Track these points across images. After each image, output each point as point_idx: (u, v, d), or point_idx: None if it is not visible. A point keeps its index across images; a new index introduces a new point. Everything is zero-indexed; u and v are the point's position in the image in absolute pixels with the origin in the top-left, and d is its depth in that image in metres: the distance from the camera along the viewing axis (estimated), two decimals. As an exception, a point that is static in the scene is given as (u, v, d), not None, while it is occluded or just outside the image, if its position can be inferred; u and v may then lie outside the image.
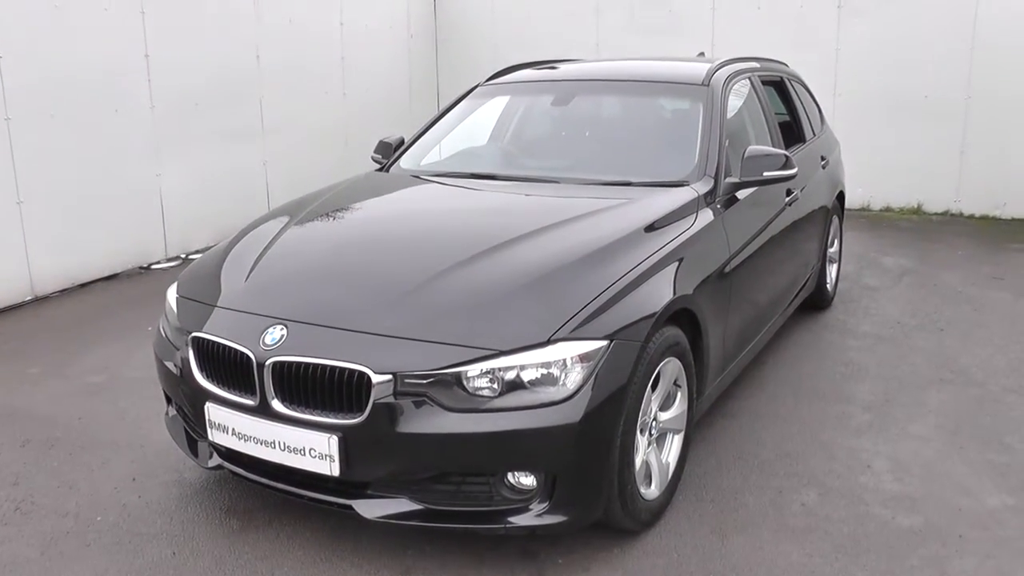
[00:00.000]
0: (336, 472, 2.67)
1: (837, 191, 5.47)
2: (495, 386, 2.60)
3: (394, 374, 2.59)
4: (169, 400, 3.45)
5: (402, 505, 2.71)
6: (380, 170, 4.42)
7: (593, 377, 2.64)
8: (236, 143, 7.51)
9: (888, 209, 8.59)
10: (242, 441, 2.83)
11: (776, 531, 3.11)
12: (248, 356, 2.76)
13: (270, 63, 7.73)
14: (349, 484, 2.74)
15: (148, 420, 4.06)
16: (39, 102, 5.77)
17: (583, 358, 2.64)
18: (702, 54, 5.54)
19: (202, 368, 2.96)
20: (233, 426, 2.84)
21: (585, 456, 2.67)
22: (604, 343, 2.69)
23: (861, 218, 8.27)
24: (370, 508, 2.71)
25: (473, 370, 2.59)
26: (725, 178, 3.72)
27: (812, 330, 5.19)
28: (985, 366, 4.63)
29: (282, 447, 2.74)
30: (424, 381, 2.59)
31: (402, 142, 4.58)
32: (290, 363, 2.70)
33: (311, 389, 2.70)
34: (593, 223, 3.25)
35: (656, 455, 3.10)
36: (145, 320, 5.50)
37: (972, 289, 6.02)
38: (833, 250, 5.56)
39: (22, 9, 5.62)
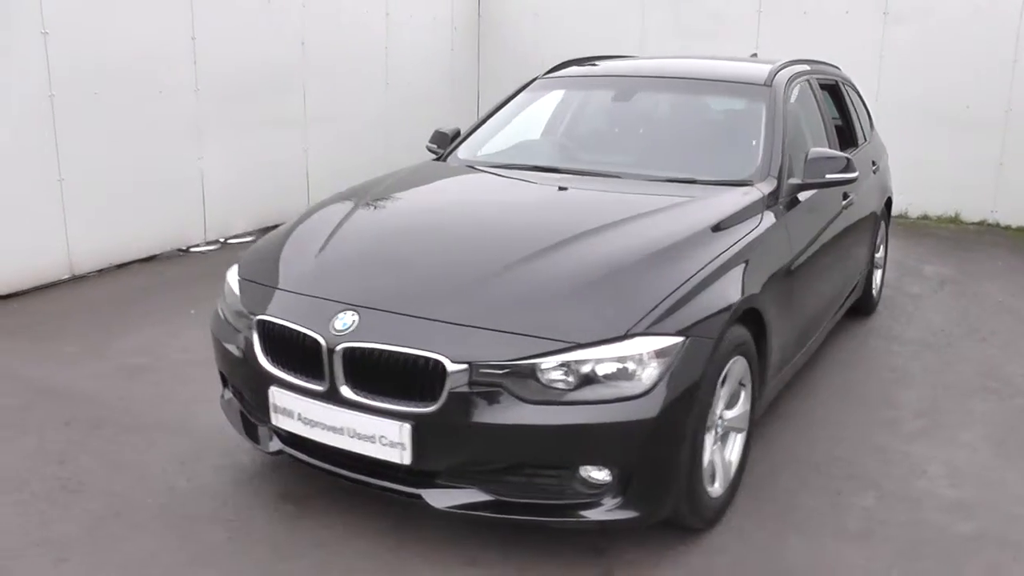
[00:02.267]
0: (407, 460, 2.64)
1: (886, 197, 5.43)
2: (570, 379, 2.57)
3: (470, 363, 2.56)
4: (225, 383, 3.42)
5: (472, 495, 2.68)
6: (437, 159, 4.39)
7: (669, 373, 2.61)
8: (278, 130, 7.47)
9: (925, 217, 8.52)
10: (308, 427, 2.81)
11: (836, 534, 3.08)
12: (318, 341, 2.73)
13: (315, 52, 7.69)
14: (418, 473, 2.70)
15: (195, 403, 4.03)
16: (84, 80, 5.74)
17: (659, 354, 2.60)
18: (754, 55, 5.49)
19: (267, 352, 2.93)
20: (299, 411, 2.82)
21: (660, 452, 2.64)
22: (680, 339, 2.66)
23: (899, 225, 8.19)
24: (439, 498, 2.68)
25: (550, 362, 2.56)
26: (788, 179, 3.69)
27: (858, 336, 5.14)
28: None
29: (351, 434, 2.71)
30: (500, 371, 2.56)
31: (458, 133, 4.55)
32: (361, 349, 2.67)
33: (382, 376, 2.67)
34: (663, 219, 3.21)
35: (720, 454, 3.07)
36: (186, 303, 5.48)
37: (1013, 300, 5.96)
38: (879, 256, 5.52)
39: (69, -13, 5.61)
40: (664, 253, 2.94)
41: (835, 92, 4.94)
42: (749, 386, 3.16)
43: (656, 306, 2.69)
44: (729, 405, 3.08)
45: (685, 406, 2.65)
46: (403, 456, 2.64)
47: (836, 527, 3.11)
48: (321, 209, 3.64)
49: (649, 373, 2.58)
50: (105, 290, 5.77)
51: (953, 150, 8.14)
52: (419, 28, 9.20)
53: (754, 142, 3.78)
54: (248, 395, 3.08)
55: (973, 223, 8.36)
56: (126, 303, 5.51)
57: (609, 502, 2.65)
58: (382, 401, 2.66)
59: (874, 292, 5.47)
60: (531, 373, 2.56)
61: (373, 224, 3.40)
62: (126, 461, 3.51)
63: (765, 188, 3.56)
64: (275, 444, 3.03)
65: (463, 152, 4.34)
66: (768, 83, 4.04)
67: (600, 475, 2.64)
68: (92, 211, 5.92)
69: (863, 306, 5.33)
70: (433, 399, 2.59)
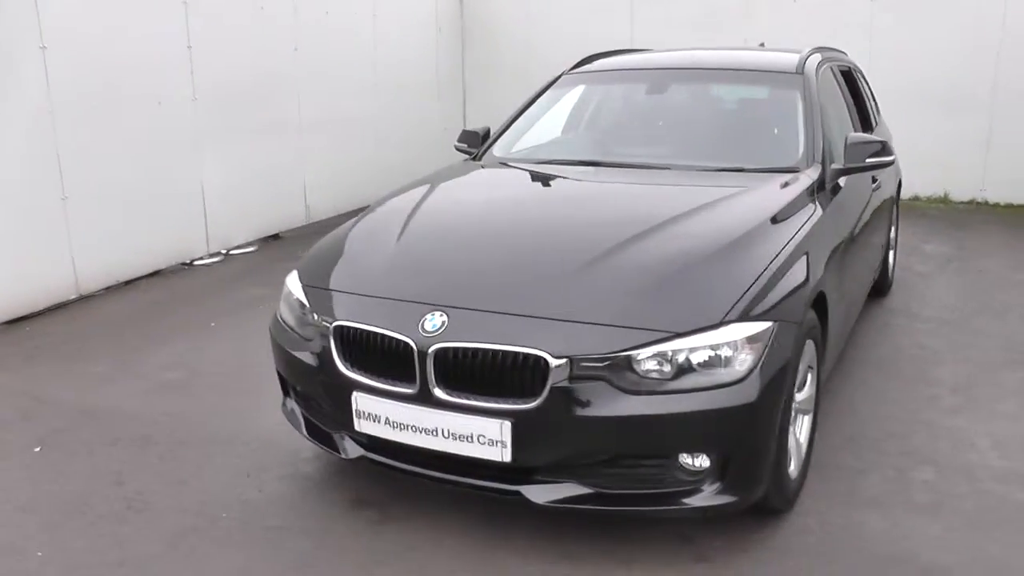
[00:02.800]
0: (507, 458, 2.65)
1: (898, 179, 5.56)
2: (668, 368, 2.59)
3: (570, 358, 2.58)
4: (287, 392, 3.40)
5: (571, 489, 2.69)
6: (473, 159, 4.38)
7: (762, 358, 2.65)
8: (274, 137, 7.40)
9: (916, 198, 8.71)
10: (397, 430, 2.79)
11: (907, 507, 3.15)
12: (408, 344, 2.73)
13: (307, 56, 7.63)
14: (514, 469, 2.71)
15: (244, 416, 3.99)
16: (83, 94, 5.62)
17: (753, 339, 2.64)
18: (762, 45, 5.58)
19: (345, 358, 2.91)
20: (387, 415, 2.80)
21: (756, 436, 2.68)
22: (770, 324, 2.70)
23: (887, 207, 8.41)
24: (539, 493, 2.69)
25: (649, 352, 2.58)
26: (831, 164, 3.76)
27: (880, 315, 5.25)
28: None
29: (445, 434, 2.71)
30: (600, 364, 2.58)
31: (488, 132, 4.56)
32: (455, 349, 2.67)
33: (475, 375, 2.67)
34: (728, 208, 3.26)
35: (793, 436, 3.13)
36: (204, 317, 5.41)
37: (1015, 274, 6.14)
38: (893, 236, 5.65)
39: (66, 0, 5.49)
40: (741, 241, 2.98)
41: (849, 78, 5.05)
42: (816, 368, 3.23)
43: (745, 293, 2.73)
44: (799, 388, 3.14)
45: (777, 390, 2.69)
46: (503, 454, 2.65)
47: (905, 502, 3.18)
48: (374, 213, 3.63)
49: (744, 359, 2.62)
50: (117, 308, 5.66)
51: (941, 131, 8.34)
52: (405, 29, 9.18)
53: (794, 129, 3.84)
54: (325, 403, 3.06)
55: (963, 202, 8.58)
56: (142, 320, 5.41)
57: (708, 488, 2.68)
58: (478, 400, 2.66)
59: (889, 272, 5.60)
60: (630, 364, 2.59)
61: (438, 224, 3.39)
62: (187, 476, 3.46)
63: (812, 174, 3.63)
64: (355, 450, 3.01)
65: (498, 150, 4.35)
66: (800, 71, 4.11)
67: (699, 461, 2.67)
68: (97, 228, 5.81)
69: (881, 286, 5.45)
70: (533, 395, 2.60)
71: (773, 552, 2.88)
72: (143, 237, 6.17)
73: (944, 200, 8.63)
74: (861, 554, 2.88)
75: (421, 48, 9.56)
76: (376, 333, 2.81)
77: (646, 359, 2.59)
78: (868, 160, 3.74)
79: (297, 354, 3.13)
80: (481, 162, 4.29)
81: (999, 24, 8.07)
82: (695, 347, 2.60)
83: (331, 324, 2.94)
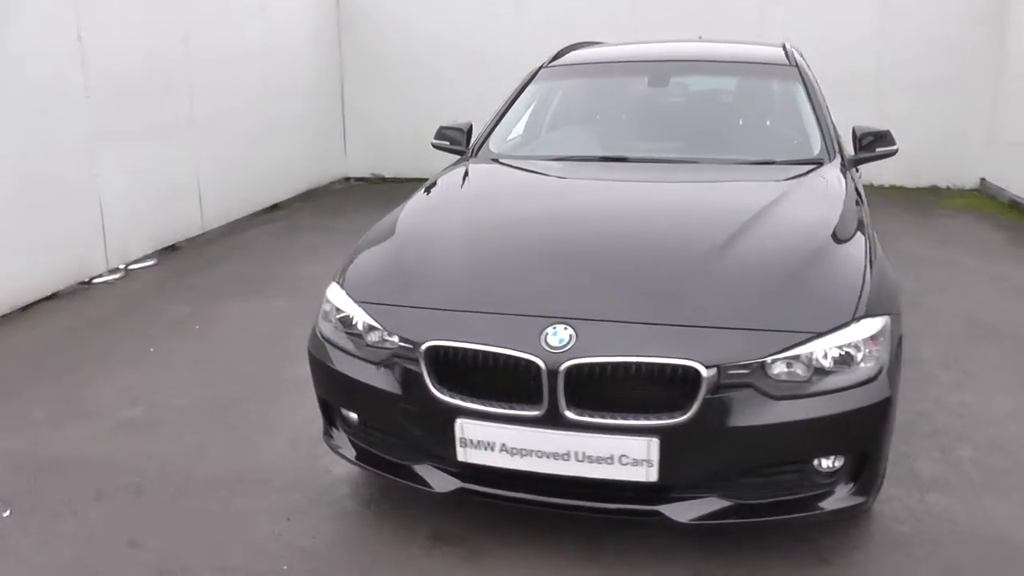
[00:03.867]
0: (653, 478, 2.45)
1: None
2: (808, 370, 2.49)
3: (718, 366, 2.42)
4: (333, 422, 3.03)
5: (712, 504, 2.53)
6: (467, 156, 4.09)
7: (888, 352, 2.61)
8: (167, 137, 6.70)
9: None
10: (517, 457, 2.52)
11: (970, 487, 3.20)
12: (535, 363, 2.47)
13: (197, 49, 6.95)
14: (649, 489, 2.53)
15: (241, 452, 3.54)
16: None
17: (881, 334, 2.59)
18: (700, 38, 5.62)
19: (440, 381, 2.61)
20: (504, 442, 2.53)
21: (887, 432, 2.64)
22: (887, 317, 2.66)
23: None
24: (681, 511, 2.52)
25: (793, 355, 2.47)
26: (846, 155, 3.81)
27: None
28: (1007, 319, 5.03)
29: (579, 458, 2.47)
30: (747, 371, 2.44)
31: (470, 127, 4.29)
32: (590, 365, 2.45)
33: (612, 391, 2.46)
34: (802, 201, 3.21)
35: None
36: (136, 342, 4.79)
37: (931, 251, 6.53)
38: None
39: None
40: (835, 235, 2.93)
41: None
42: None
43: (863, 287, 2.68)
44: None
45: (898, 382, 2.67)
46: (648, 473, 2.45)
47: (966, 482, 3.24)
48: (416, 220, 3.29)
49: (874, 355, 2.56)
50: (24, 339, 4.90)
51: (837, 119, 8.77)
52: (293, 21, 8.65)
53: (807, 120, 3.86)
54: (408, 432, 2.73)
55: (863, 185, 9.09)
56: (63, 350, 4.72)
57: (842, 489, 2.60)
58: (618, 418, 2.45)
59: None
60: (776, 369, 2.47)
61: (507, 231, 3.11)
62: (215, 529, 3.01)
63: (836, 165, 3.65)
64: (447, 482, 2.70)
65: (495, 147, 4.09)
66: (793, 63, 4.15)
67: (835, 463, 2.59)
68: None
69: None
70: (682, 408, 2.42)
71: (882, 545, 2.86)
72: (36, 255, 5.37)
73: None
74: (959, 537, 2.89)
75: (308, 40, 9.02)
76: (488, 352, 2.52)
77: (790, 362, 2.48)
78: (879, 150, 3.82)
79: (360, 379, 2.78)
80: (481, 160, 4.00)
81: (880, 15, 8.58)
82: (833, 346, 2.51)
83: (420, 345, 2.61)
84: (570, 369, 2.44)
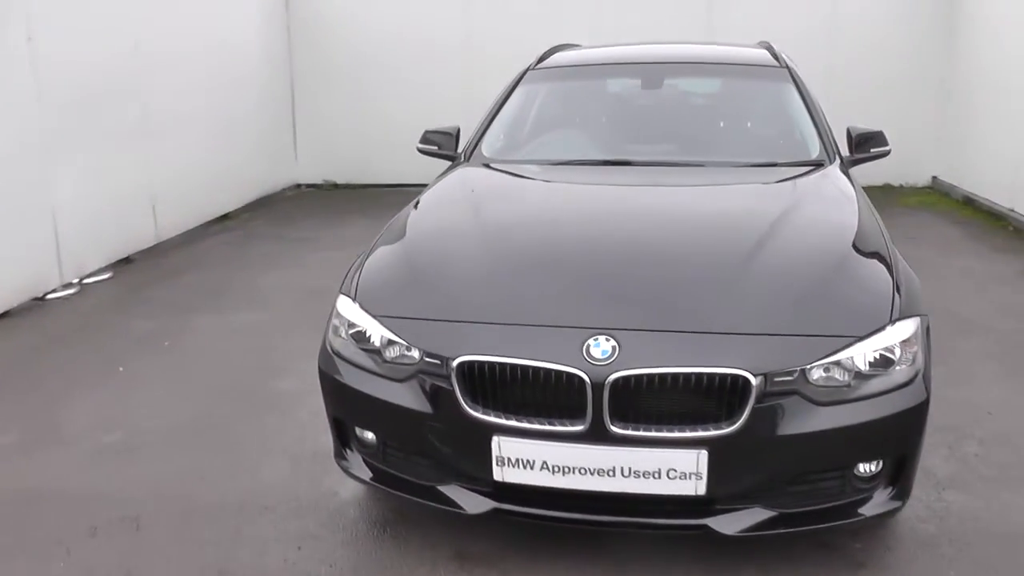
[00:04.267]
0: (701, 491, 2.38)
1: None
2: (848, 375, 2.46)
3: (765, 374, 2.37)
4: (346, 442, 2.89)
5: (757, 515, 2.48)
6: (459, 161, 3.97)
7: (923, 353, 2.60)
8: (120, 144, 6.41)
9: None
10: (560, 475, 2.43)
11: (984, 483, 3.23)
12: (579, 377, 2.38)
13: (148, 52, 6.68)
14: (694, 502, 2.47)
15: (238, 476, 3.36)
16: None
17: (915, 336, 2.59)
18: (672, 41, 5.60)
19: (472, 398, 2.50)
20: (545, 459, 2.43)
21: (922, 435, 2.63)
22: (919, 318, 2.65)
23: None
24: (727, 524, 2.45)
25: (836, 360, 2.43)
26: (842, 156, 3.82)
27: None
28: (983, 313, 5.11)
29: (625, 473, 2.39)
30: (791, 377, 2.40)
31: (458, 131, 4.18)
32: (637, 377, 2.37)
33: (657, 403, 2.39)
34: (820, 204, 3.19)
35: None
36: (101, 361, 4.54)
37: (898, 249, 6.64)
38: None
39: None
40: (860, 237, 2.91)
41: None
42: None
43: (895, 290, 2.66)
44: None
45: (931, 383, 2.66)
46: (697, 487, 2.38)
47: (979, 478, 3.27)
48: (428, 228, 3.17)
49: (909, 357, 2.55)
50: (-19, 360, 4.61)
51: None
52: (241, 22, 8.41)
53: (803, 122, 3.85)
54: (437, 452, 2.61)
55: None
56: (22, 372, 4.44)
57: (880, 494, 2.57)
58: (665, 431, 2.37)
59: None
60: (819, 374, 2.43)
61: (527, 240, 3.00)
62: (225, 561, 2.84)
63: (837, 166, 3.65)
64: (480, 503, 2.59)
65: (489, 151, 3.97)
66: (783, 64, 4.15)
67: (873, 468, 2.57)
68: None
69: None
70: (729, 419, 2.37)
71: (911, 546, 2.85)
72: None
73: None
74: (984, 535, 2.91)
75: (255, 44, 8.76)
76: (527, 367, 2.42)
77: (832, 367, 2.44)
78: (873, 151, 3.84)
79: (381, 398, 2.65)
80: (476, 164, 3.88)
81: (830, 14, 8.76)
82: (872, 350, 2.48)
83: (451, 360, 2.50)
84: (616, 382, 2.35)
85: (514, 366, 2.43)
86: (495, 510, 2.58)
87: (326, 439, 3.61)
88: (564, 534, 2.85)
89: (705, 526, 2.46)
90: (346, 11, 9.50)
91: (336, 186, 9.92)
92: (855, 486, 2.56)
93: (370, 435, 2.80)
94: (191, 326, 5.12)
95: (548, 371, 2.40)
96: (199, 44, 7.51)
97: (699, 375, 2.35)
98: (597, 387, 2.36)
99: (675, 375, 2.36)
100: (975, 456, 3.45)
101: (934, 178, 8.95)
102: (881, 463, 2.56)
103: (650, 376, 2.36)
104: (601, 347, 2.40)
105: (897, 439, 2.55)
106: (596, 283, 2.69)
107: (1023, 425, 3.71)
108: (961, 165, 8.31)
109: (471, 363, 2.47)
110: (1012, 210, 7.29)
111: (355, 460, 2.87)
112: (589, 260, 2.84)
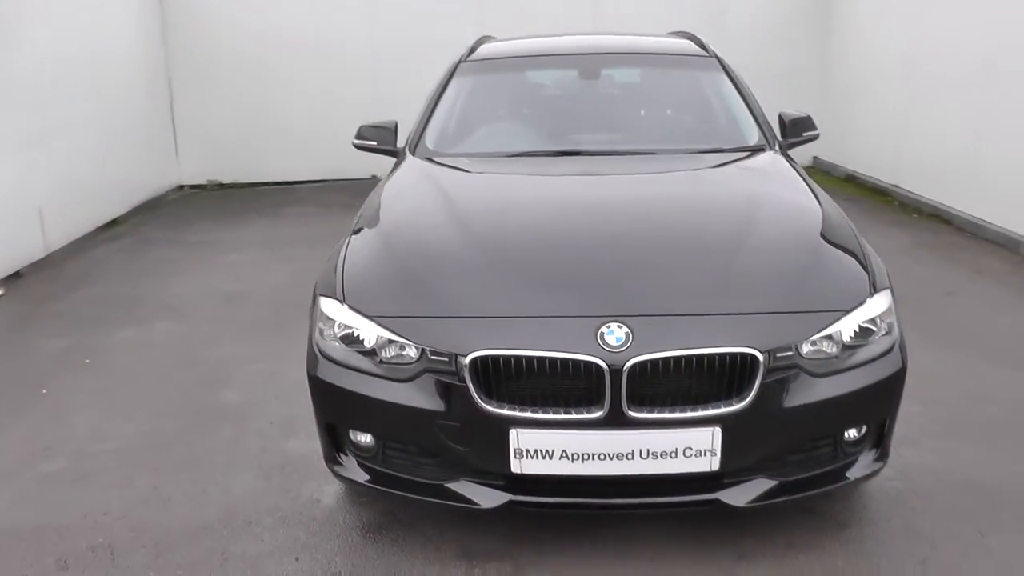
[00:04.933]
0: (715, 467, 2.47)
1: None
2: (837, 347, 2.61)
3: (769, 351, 2.47)
4: (340, 448, 2.82)
5: (762, 485, 2.59)
6: (404, 156, 3.89)
7: (897, 322, 2.79)
8: (5, 152, 5.97)
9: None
10: (579, 462, 2.46)
11: (929, 438, 3.48)
12: (597, 364, 2.41)
13: (30, 55, 6.22)
14: (705, 478, 2.55)
15: (209, 493, 3.22)
16: None
17: (891, 307, 2.76)
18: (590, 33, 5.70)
19: (487, 392, 2.50)
20: (564, 448, 2.46)
21: (901, 399, 2.81)
22: (889, 289, 2.84)
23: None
24: (736, 496, 2.56)
25: (828, 333, 2.57)
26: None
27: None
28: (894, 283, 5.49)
29: (644, 455, 2.44)
30: (792, 352, 2.51)
31: (396, 126, 4.12)
32: (653, 361, 2.42)
33: (671, 385, 2.45)
34: (784, 186, 3.31)
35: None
36: (17, 383, 4.26)
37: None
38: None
39: None
40: (827, 216, 3.06)
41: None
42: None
43: (867, 264, 2.83)
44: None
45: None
46: (712, 463, 2.46)
47: (926, 435, 3.51)
48: (404, 224, 3.12)
49: (888, 327, 2.72)
50: None
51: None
52: (115, 20, 7.95)
53: (738, 109, 4.00)
54: (452, 450, 2.58)
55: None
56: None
57: (865, 457, 2.74)
58: (680, 412, 2.45)
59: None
60: (814, 348, 2.56)
61: (512, 232, 2.99)
62: (216, 583, 2.73)
63: (777, 151, 3.82)
64: (496, 497, 2.59)
65: (433, 144, 3.92)
66: (712, 54, 4.30)
67: (859, 433, 2.72)
68: None
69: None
70: (739, 395, 2.46)
71: (885, 503, 3.03)
72: None
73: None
74: (944, 486, 3.14)
75: (131, 43, 8.32)
76: (543, 358, 2.44)
77: (825, 341, 2.58)
78: (805, 135, 4.05)
79: (384, 399, 2.60)
80: (422, 158, 3.82)
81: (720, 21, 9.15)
82: (857, 323, 2.64)
83: (463, 356, 2.48)
84: (633, 367, 2.41)
85: (530, 358, 2.45)
86: (509, 503, 2.58)
87: (293, 447, 3.54)
88: (568, 523, 2.89)
89: (716, 500, 2.55)
90: (220, 12, 9.19)
91: (222, 186, 9.56)
92: (845, 451, 2.71)
93: (367, 438, 2.74)
94: (109, 341, 4.84)
95: (565, 361, 2.43)
96: (74, 49, 7.07)
97: (711, 356, 2.43)
98: (615, 373, 2.40)
99: (688, 357, 2.43)
100: (919, 415, 3.71)
101: (815, 158, 9.49)
102: (865, 428, 2.72)
103: (665, 360, 2.42)
104: (615, 334, 2.44)
105: (880, 405, 2.71)
106: (598, 272, 2.73)
107: (951, 385, 4.01)
108: (841, 145, 8.86)
109: (485, 358, 2.47)
110: (896, 186, 7.85)
111: (350, 464, 2.81)
112: (586, 249, 2.87)
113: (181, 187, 9.51)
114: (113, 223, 7.74)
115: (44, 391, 4.18)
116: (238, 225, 7.71)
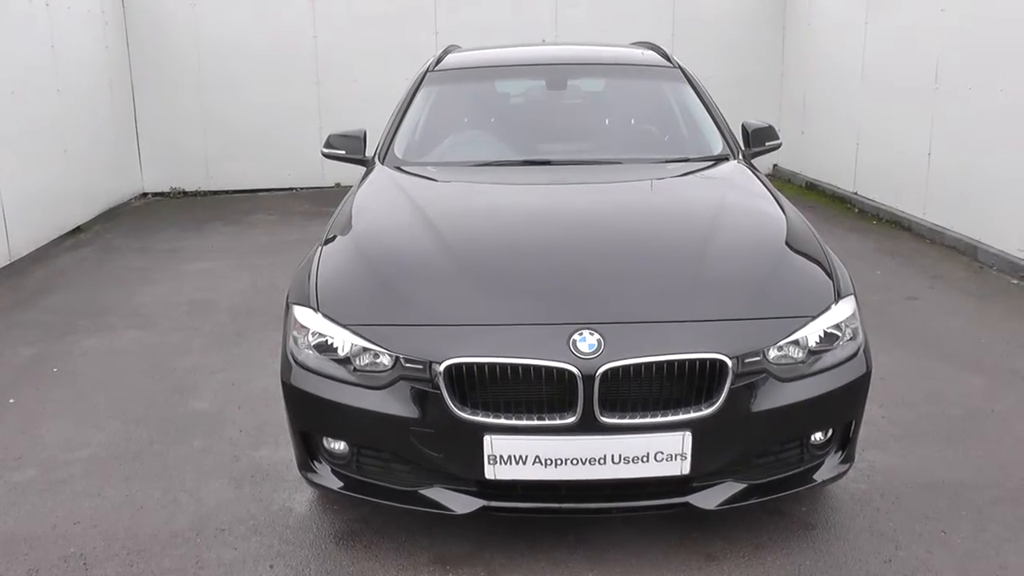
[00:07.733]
0: (686, 471, 2.52)
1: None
2: (804, 352, 2.67)
3: (737, 357, 2.53)
4: (315, 455, 2.83)
5: (731, 488, 2.65)
6: (373, 165, 3.90)
7: (861, 327, 2.86)
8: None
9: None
10: (552, 468, 2.50)
11: (893, 440, 3.56)
12: (569, 371, 2.45)
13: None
14: (673, 482, 2.60)
15: (180, 502, 3.21)
16: None
17: (855, 313, 2.83)
18: (544, 41, 5.76)
19: (460, 399, 2.53)
20: (537, 453, 2.49)
21: (866, 402, 2.88)
22: (853, 294, 2.91)
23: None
24: (706, 499, 2.61)
25: (794, 339, 2.62)
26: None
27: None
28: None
29: (615, 460, 2.48)
30: (759, 357, 2.57)
31: (364, 135, 4.13)
32: (624, 367, 2.47)
33: (641, 391, 2.50)
34: (749, 195, 3.37)
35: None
36: (-9, 394, 4.19)
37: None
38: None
39: None
40: (791, 224, 3.13)
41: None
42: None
43: (832, 271, 2.90)
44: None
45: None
46: (682, 467, 2.51)
47: (890, 437, 3.60)
48: (376, 233, 3.14)
49: (852, 331, 2.79)
50: None
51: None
52: (79, 22, 7.85)
53: (701, 119, 4.07)
54: (427, 456, 2.60)
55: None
56: None
57: (831, 460, 2.81)
58: (651, 417, 2.49)
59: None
60: (781, 353, 2.62)
61: (483, 241, 3.03)
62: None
63: (742, 159, 3.90)
64: (469, 503, 2.62)
65: (402, 153, 3.95)
66: (676, 65, 4.37)
67: (825, 436, 2.79)
68: None
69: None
70: (709, 400, 2.51)
71: (850, 504, 3.10)
72: None
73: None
74: (907, 487, 3.22)
75: (93, 49, 8.23)
76: (517, 365, 2.47)
77: (792, 346, 2.64)
78: (768, 144, 4.13)
79: (358, 406, 2.62)
80: (392, 167, 3.84)
81: (670, 16, 9.23)
82: (823, 328, 2.70)
83: (438, 363, 2.51)
84: (605, 373, 2.45)
85: (504, 365, 2.48)
86: (483, 508, 2.61)
87: (263, 455, 3.54)
88: (540, 527, 2.92)
89: (686, 503, 2.60)
90: (182, 19, 9.13)
91: (185, 194, 9.49)
92: (811, 454, 2.78)
93: (341, 445, 2.76)
94: (76, 349, 4.80)
95: (539, 368, 2.46)
96: (35, 56, 7.00)
97: (681, 362, 2.49)
98: (587, 380, 2.44)
99: (659, 363, 2.48)
100: (882, 418, 3.80)
101: (775, 166, 9.64)
102: (831, 431, 2.79)
103: (636, 366, 2.47)
104: (587, 341, 2.49)
105: (845, 408, 2.78)
106: (570, 280, 2.77)
107: (913, 387, 4.11)
108: (800, 154, 9.02)
109: (460, 365, 2.50)
110: (856, 194, 8.01)
111: (324, 471, 2.82)
112: (558, 257, 2.91)
113: (144, 195, 9.44)
114: (77, 231, 7.66)
115: (11, 400, 4.14)
116: (202, 233, 7.66)
